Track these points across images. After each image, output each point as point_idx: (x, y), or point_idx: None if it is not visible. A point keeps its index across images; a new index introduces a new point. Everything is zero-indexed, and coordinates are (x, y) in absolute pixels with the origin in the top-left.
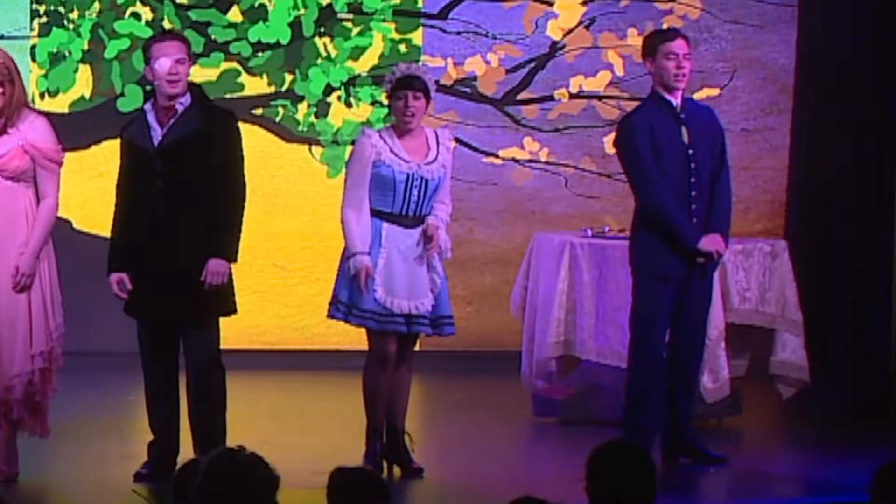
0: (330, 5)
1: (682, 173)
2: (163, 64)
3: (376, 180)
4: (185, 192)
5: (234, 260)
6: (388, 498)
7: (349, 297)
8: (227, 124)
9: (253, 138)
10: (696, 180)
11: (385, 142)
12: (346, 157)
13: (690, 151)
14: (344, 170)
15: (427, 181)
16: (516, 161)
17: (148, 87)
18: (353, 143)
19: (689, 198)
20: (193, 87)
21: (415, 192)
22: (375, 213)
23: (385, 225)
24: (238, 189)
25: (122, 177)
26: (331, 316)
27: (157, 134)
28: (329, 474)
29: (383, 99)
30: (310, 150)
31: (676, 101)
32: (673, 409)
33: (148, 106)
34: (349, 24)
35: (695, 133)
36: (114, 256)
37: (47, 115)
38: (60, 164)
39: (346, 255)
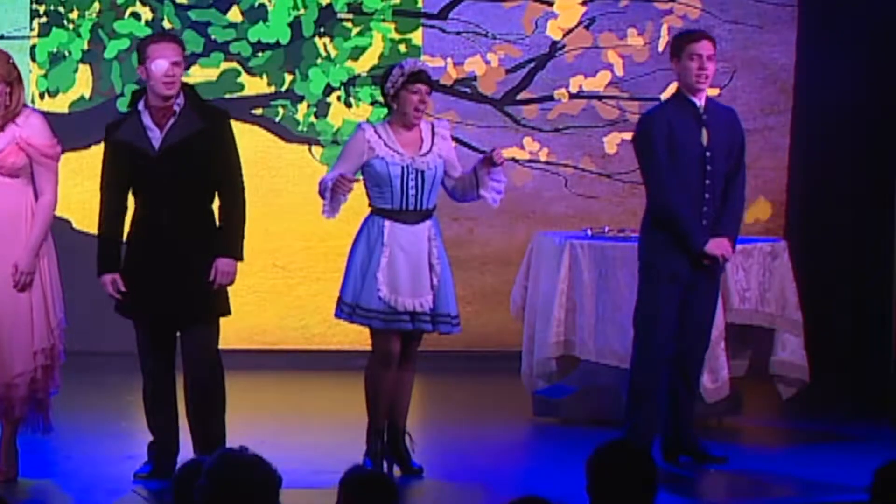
0: (330, 5)
1: (698, 174)
2: (160, 66)
3: (371, 176)
4: (187, 192)
5: (241, 258)
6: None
7: (353, 297)
8: (224, 124)
9: (253, 138)
10: (710, 182)
11: (380, 136)
12: None
13: (708, 154)
14: None
15: (423, 172)
16: (516, 161)
17: (139, 88)
18: None
19: (703, 199)
20: (186, 88)
21: (412, 185)
22: (377, 212)
23: (387, 223)
24: (239, 187)
25: (110, 177)
26: (337, 316)
27: (156, 136)
28: (342, 475)
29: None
30: (310, 150)
31: (700, 102)
32: (674, 410)
33: (142, 107)
34: (349, 24)
35: (715, 135)
36: (104, 256)
37: (44, 113)
38: (57, 160)
39: (325, 186)
